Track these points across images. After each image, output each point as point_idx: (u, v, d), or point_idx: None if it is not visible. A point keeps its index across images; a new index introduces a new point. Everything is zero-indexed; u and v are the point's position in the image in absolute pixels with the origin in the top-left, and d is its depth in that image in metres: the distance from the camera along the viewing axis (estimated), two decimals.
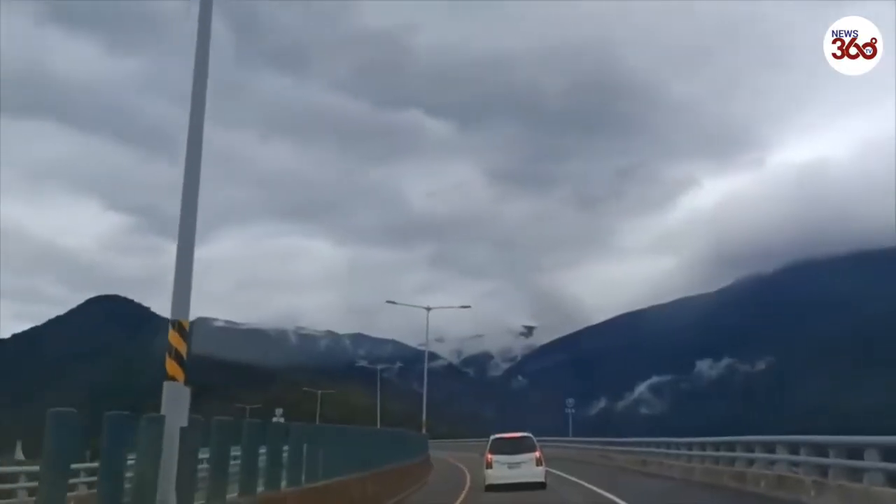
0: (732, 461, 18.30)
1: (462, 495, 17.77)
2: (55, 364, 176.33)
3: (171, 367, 7.04)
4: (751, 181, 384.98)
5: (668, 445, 24.23)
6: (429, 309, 42.59)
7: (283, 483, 10.10)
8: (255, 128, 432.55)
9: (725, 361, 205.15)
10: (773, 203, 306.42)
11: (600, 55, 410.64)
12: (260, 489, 9.06)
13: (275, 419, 42.31)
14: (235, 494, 8.45)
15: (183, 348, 7.11)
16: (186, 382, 7.08)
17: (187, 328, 7.18)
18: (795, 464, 14.63)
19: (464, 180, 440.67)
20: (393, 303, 48.62)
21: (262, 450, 9.61)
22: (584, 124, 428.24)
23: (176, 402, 6.90)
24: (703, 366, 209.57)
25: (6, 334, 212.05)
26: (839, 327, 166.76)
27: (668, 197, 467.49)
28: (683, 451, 22.34)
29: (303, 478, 10.68)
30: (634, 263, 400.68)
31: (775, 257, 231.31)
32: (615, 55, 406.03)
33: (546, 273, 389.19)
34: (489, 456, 19.78)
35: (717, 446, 19.52)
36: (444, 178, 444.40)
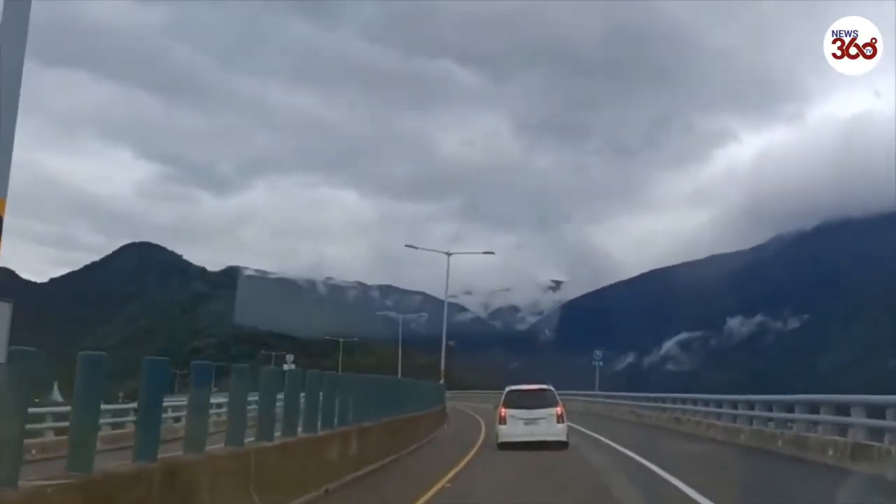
0: (787, 424, 15.66)
1: (468, 457, 15.38)
2: (91, 308, 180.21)
3: None
4: (790, 135, 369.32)
5: (708, 403, 21.52)
6: (449, 254, 40.33)
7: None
8: (283, 77, 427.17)
9: (758, 319, 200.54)
10: (813, 158, 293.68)
11: (635, 1, 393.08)
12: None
13: (285, 366, 40.83)
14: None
15: None
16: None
17: (3, 212, 4.55)
18: (876, 430, 11.92)
19: (494, 131, 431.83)
20: (412, 247, 46.49)
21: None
22: (618, 73, 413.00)
23: None
24: (735, 323, 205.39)
25: (44, 279, 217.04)
26: (876, 287, 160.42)
27: (704, 150, 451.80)
28: (726, 410, 19.64)
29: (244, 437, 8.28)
30: (667, 218, 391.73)
31: (813, 214, 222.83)
32: (650, 1, 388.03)
33: (576, 226, 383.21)
34: (503, 410, 17.35)
35: (769, 406, 16.79)
36: (475, 128, 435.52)
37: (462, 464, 13.84)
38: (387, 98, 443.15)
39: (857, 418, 12.33)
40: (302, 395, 10.65)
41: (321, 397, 11.29)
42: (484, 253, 44.41)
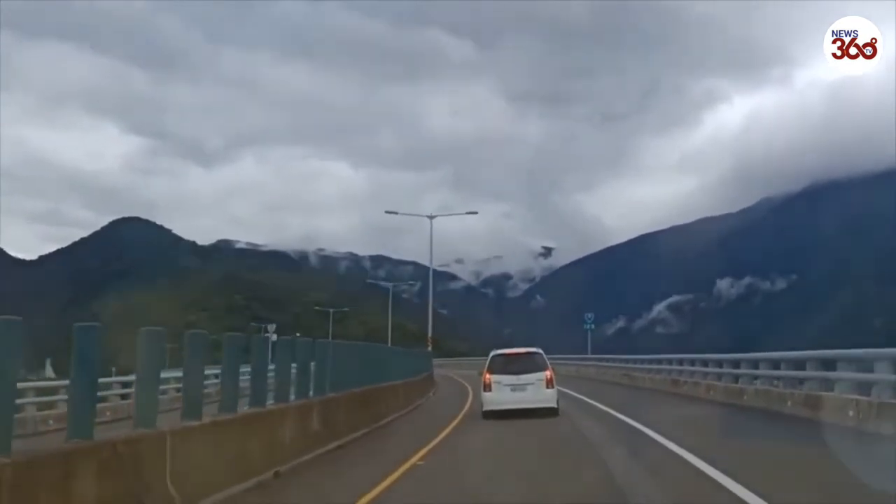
0: (796, 382, 14.37)
1: (448, 428, 14.01)
2: (82, 285, 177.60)
3: None
4: (778, 98, 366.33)
5: (707, 363, 20.24)
6: (431, 217, 38.73)
7: None
8: (271, 49, 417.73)
9: (746, 281, 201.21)
10: (801, 121, 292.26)
11: None
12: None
13: (266, 335, 39.36)
14: None
15: None
16: None
17: None
18: None
19: (483, 100, 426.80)
20: (393, 213, 44.80)
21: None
22: (607, 40, 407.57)
23: None
24: (724, 285, 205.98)
25: (34, 256, 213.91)
26: (862, 247, 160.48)
27: (692, 115, 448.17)
28: (727, 370, 18.35)
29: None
30: (656, 183, 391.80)
31: (801, 177, 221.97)
32: None
33: (566, 193, 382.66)
34: (487, 376, 15.95)
35: (776, 364, 15.46)
36: (464, 97, 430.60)
37: (441, 436, 12.44)
38: (376, 69, 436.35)
39: (883, 374, 10.95)
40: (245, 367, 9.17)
41: (271, 367, 9.82)
42: (467, 213, 43.03)
